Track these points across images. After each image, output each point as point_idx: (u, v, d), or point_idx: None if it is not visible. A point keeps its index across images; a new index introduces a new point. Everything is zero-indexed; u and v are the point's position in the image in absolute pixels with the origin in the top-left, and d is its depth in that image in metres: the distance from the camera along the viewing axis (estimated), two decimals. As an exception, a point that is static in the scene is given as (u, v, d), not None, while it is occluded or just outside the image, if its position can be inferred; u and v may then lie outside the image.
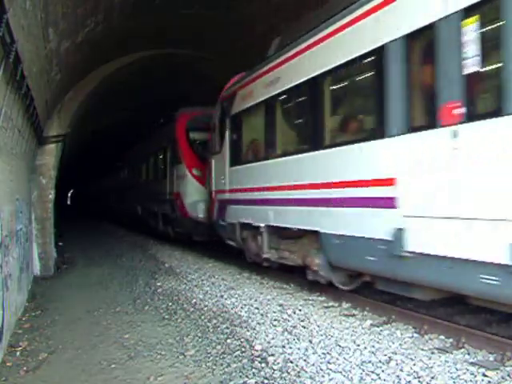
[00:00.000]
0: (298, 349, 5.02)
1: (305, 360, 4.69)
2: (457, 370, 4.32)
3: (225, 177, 10.09)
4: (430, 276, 4.99)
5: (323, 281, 7.07)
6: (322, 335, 5.45)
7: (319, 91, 6.77)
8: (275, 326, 5.90)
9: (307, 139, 7.20)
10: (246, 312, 6.62)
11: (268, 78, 8.20)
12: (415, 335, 5.40)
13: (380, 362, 4.57)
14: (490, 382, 4.07)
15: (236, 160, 9.60)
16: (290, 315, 6.34)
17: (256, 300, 7.29)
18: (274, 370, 4.45)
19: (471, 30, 4.36)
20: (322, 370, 4.43)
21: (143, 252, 14.35)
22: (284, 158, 7.74)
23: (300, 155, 7.24)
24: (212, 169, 10.96)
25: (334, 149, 6.44)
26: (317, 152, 6.72)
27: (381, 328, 5.71)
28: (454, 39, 4.52)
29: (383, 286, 6.14)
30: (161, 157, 16.70)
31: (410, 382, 4.10)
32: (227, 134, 9.97)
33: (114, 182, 28.93)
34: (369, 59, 5.79)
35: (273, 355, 4.84)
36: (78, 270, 11.42)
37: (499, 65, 4.21)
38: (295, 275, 8.99)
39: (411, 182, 5.06)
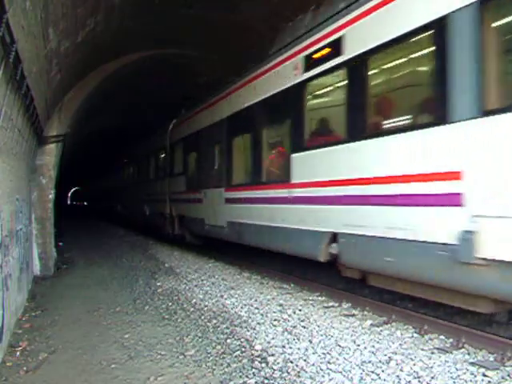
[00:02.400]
0: (298, 349, 5.02)
1: (305, 360, 4.69)
2: (457, 369, 4.33)
3: None
4: None
5: None
6: (322, 335, 5.45)
7: None
8: (275, 325, 5.90)
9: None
10: (245, 312, 6.62)
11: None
12: (415, 335, 5.40)
13: (380, 361, 4.57)
14: (489, 381, 4.08)
15: None
16: (290, 315, 6.34)
17: (256, 300, 7.29)
18: (274, 369, 4.45)
19: None
20: (322, 369, 4.43)
21: (143, 252, 14.35)
22: None
23: None
24: None
25: None
26: None
27: (381, 328, 5.71)
28: None
29: None
30: None
31: (409, 382, 4.10)
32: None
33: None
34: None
35: (273, 355, 4.84)
36: (78, 270, 11.41)
37: None
38: (295, 275, 9.00)
39: None
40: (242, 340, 5.37)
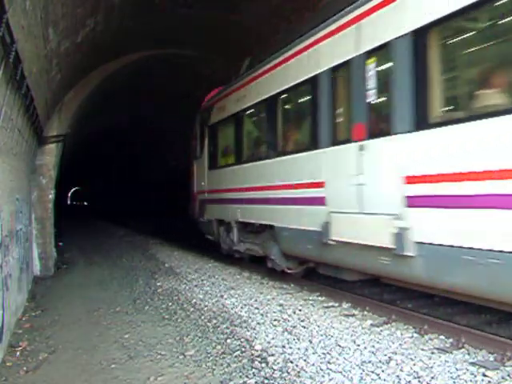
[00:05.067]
0: (298, 349, 5.02)
1: (305, 360, 4.69)
2: (457, 369, 4.32)
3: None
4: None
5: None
6: (321, 335, 5.45)
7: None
8: (275, 325, 5.90)
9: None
10: (246, 312, 6.62)
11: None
12: (415, 335, 5.40)
13: (380, 361, 4.57)
14: (489, 381, 4.07)
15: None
16: (290, 315, 6.34)
17: (256, 300, 7.29)
18: (274, 369, 4.45)
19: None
20: (322, 369, 4.43)
21: (143, 252, 14.35)
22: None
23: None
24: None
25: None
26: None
27: (381, 328, 5.71)
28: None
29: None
30: None
31: (409, 382, 4.10)
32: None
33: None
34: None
35: (273, 355, 4.84)
36: (78, 270, 11.41)
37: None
38: (295, 275, 8.99)
39: None
40: (242, 340, 5.36)
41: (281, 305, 6.92)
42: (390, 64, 5.46)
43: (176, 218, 27.17)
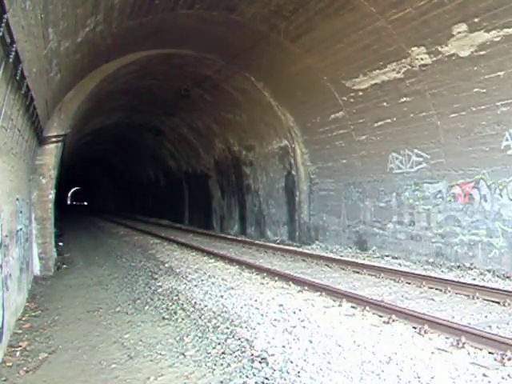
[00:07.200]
0: (298, 349, 5.02)
1: (305, 360, 4.69)
2: (457, 369, 4.33)
3: None
4: None
5: None
6: (321, 335, 5.45)
7: None
8: (275, 326, 5.90)
9: None
10: (245, 312, 6.62)
11: None
12: (415, 335, 5.40)
13: (380, 361, 4.57)
14: (489, 382, 4.08)
15: None
16: (289, 315, 6.34)
17: (256, 300, 7.29)
18: (274, 370, 4.45)
19: None
20: (321, 369, 4.43)
21: (143, 252, 14.35)
22: None
23: None
24: None
25: None
26: None
27: (381, 328, 5.71)
28: None
29: None
30: None
31: (409, 381, 4.10)
32: None
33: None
34: None
35: (273, 355, 4.84)
36: (78, 270, 11.42)
37: None
38: (295, 275, 9.00)
39: None
40: (242, 340, 5.36)
41: (281, 305, 6.92)
42: None
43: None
